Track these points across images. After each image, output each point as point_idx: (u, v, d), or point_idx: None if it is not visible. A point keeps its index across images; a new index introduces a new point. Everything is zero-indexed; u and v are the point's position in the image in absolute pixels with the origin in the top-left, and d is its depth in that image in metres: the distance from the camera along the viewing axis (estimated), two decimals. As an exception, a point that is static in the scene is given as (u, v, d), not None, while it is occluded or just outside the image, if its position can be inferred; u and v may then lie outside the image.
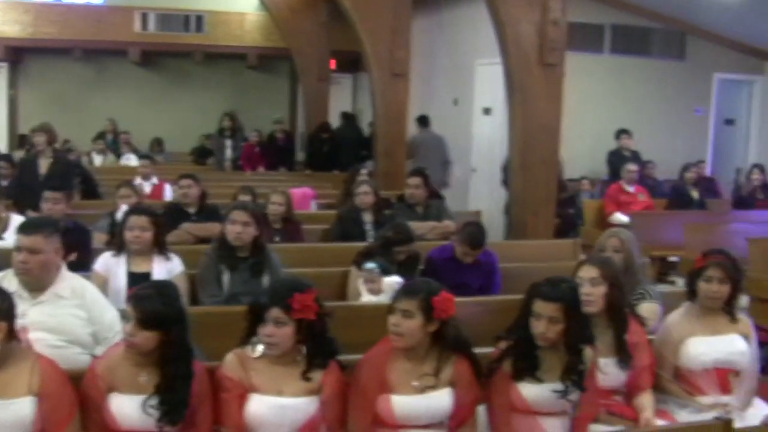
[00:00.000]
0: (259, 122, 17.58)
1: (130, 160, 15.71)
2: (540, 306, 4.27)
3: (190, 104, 20.26)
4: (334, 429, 4.19)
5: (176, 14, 19.62)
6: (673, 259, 11.15)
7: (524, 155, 9.12)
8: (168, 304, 3.98)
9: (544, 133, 9.09)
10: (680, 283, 8.64)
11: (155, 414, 3.91)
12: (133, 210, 6.28)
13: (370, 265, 6.43)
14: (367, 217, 8.69)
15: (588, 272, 4.80)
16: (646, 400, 4.81)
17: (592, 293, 4.70)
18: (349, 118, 18.33)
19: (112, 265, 5.99)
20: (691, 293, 5.07)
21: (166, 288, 4.11)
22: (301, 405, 4.09)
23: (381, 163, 13.87)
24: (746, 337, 5.07)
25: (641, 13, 15.09)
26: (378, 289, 6.33)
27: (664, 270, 11.17)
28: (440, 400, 4.22)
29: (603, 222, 11.40)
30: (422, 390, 4.20)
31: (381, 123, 13.89)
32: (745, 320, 5.17)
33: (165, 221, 6.54)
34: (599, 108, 14.80)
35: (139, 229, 5.95)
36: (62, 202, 7.48)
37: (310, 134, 17.77)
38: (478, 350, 4.40)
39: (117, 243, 6.11)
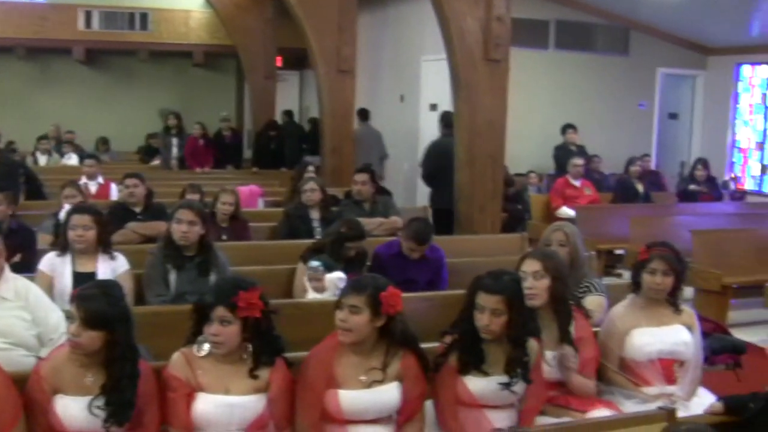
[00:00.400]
0: (205, 120, 17.46)
1: (72, 159, 15.55)
2: (483, 298, 4.29)
3: (135, 103, 20.15)
4: (282, 426, 4.18)
5: (121, 12, 19.52)
6: (619, 251, 11.30)
7: (470, 150, 9.17)
8: (112, 303, 3.94)
9: (490, 128, 9.15)
10: (627, 276, 8.71)
11: (101, 415, 3.87)
12: (76, 209, 6.21)
13: (314, 263, 6.40)
14: (315, 215, 8.67)
15: (530, 266, 4.82)
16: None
17: (536, 286, 4.72)
18: (290, 116, 18.42)
19: (58, 265, 5.93)
20: (636, 285, 5.11)
21: (110, 287, 4.08)
22: (248, 403, 4.07)
23: (328, 160, 13.89)
24: (690, 327, 5.11)
25: (585, 9, 15.24)
26: (323, 287, 6.32)
27: (610, 263, 11.33)
28: (387, 394, 4.22)
29: (550, 216, 11.49)
30: (369, 384, 4.20)
31: (328, 120, 13.90)
32: (688, 311, 5.23)
33: (109, 220, 6.49)
34: (545, 103, 14.92)
35: (81, 228, 5.89)
36: (4, 204, 7.37)
37: (257, 132, 17.73)
38: (425, 345, 4.41)
39: (61, 243, 6.06)
